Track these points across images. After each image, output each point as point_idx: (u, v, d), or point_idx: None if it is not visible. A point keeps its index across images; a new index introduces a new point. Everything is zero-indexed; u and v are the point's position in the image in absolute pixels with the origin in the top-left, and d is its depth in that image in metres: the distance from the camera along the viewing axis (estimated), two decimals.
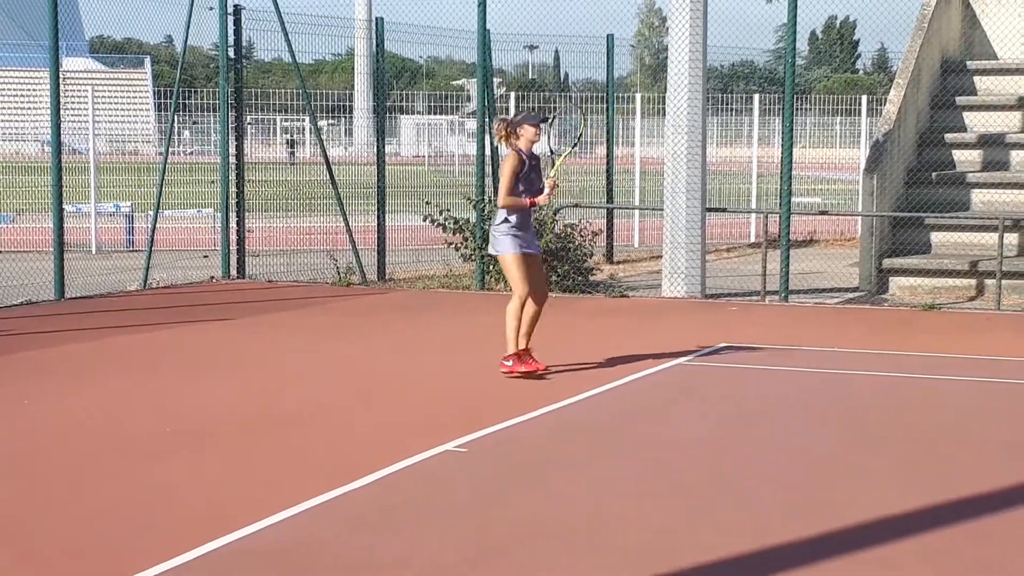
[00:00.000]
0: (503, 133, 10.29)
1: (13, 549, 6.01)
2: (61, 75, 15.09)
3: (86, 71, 48.43)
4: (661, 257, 16.43)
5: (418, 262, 18.89)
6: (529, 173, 10.23)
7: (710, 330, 13.14)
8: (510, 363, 10.31)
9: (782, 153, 15.84)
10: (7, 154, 34.73)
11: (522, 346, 10.30)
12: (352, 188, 20.90)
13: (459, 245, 16.71)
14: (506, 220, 10.22)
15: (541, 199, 10.21)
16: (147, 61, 58.77)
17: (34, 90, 49.35)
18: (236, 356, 11.67)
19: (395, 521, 6.50)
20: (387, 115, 18.54)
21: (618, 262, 20.70)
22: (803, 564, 5.90)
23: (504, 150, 10.46)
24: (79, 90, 24.72)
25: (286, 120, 34.05)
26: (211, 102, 23.44)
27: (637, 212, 23.97)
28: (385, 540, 6.18)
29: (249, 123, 18.05)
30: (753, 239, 23.95)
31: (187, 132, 33.59)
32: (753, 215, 24.27)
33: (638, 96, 25.02)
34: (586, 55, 21.74)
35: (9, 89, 50.48)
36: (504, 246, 10.24)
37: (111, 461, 7.68)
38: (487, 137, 16.90)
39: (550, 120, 10.64)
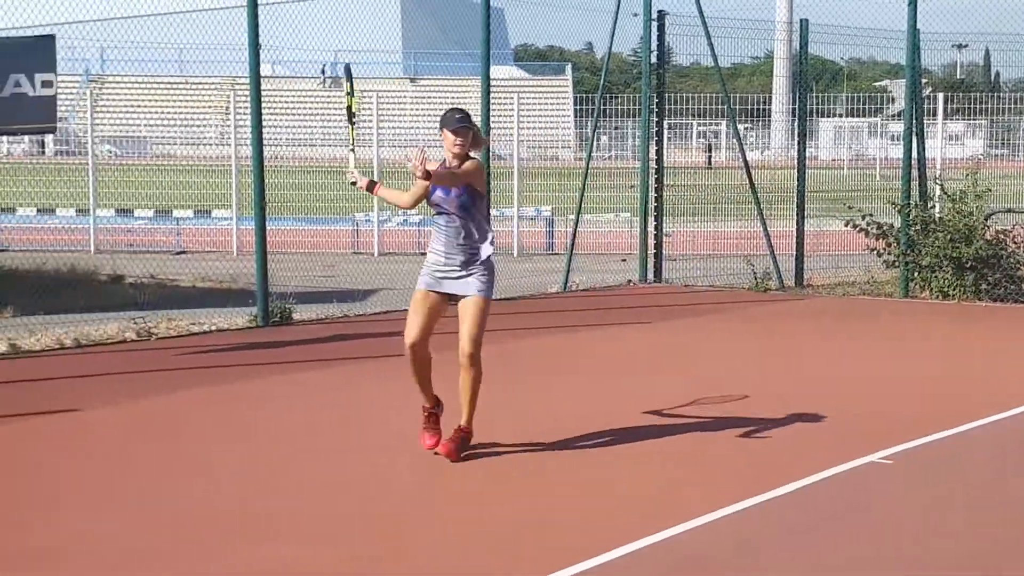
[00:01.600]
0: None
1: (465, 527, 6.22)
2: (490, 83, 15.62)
3: (511, 78, 50.14)
4: None
5: (837, 268, 18.45)
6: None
7: None
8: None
9: None
10: (434, 159, 36.28)
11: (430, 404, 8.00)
12: (769, 192, 20.65)
13: (882, 251, 16.22)
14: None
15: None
16: (568, 68, 60.26)
17: (461, 98, 51.61)
18: (653, 359, 11.73)
19: (819, 532, 6.34)
20: (807, 118, 18.19)
21: None
22: None
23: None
24: (505, 97, 25.56)
25: (702, 124, 34.05)
26: (629, 107, 23.71)
27: None
28: (812, 547, 6.03)
29: (668, 128, 18.11)
30: None
31: (605, 137, 34.20)
32: None
33: None
34: (1021, 53, 20.62)
35: (437, 97, 52.92)
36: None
37: (540, 454, 7.84)
38: (914, 139, 16.32)
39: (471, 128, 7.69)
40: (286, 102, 44.67)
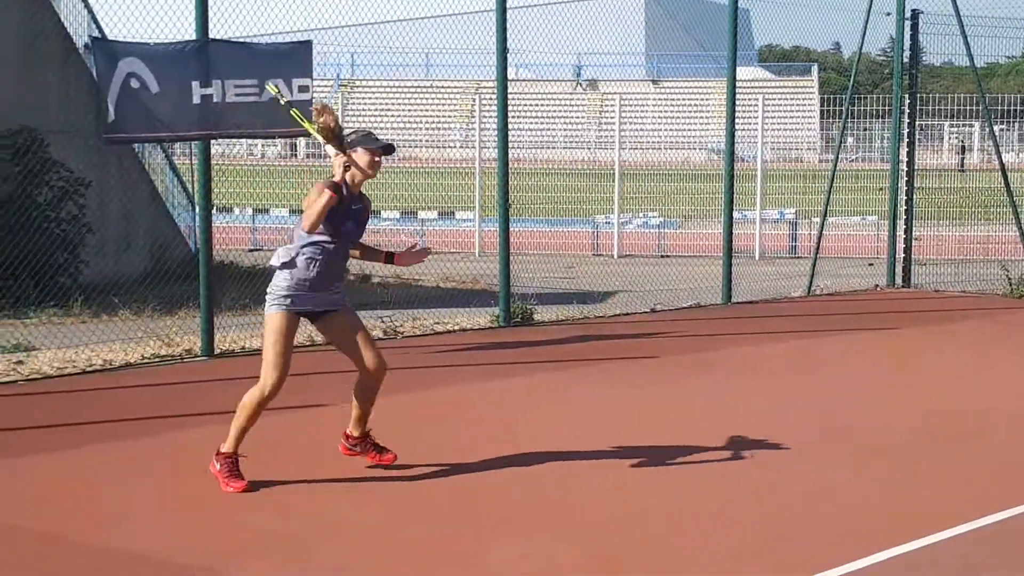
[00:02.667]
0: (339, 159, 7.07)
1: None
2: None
3: (754, 80, 49.54)
4: None
5: None
6: (344, 216, 7.04)
7: None
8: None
9: None
10: (675, 162, 36.20)
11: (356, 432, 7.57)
12: None
13: None
14: (293, 269, 7.06)
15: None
16: (814, 68, 59.21)
17: (703, 99, 51.27)
18: (902, 366, 11.41)
19: None
20: None
21: None
22: None
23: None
24: (749, 98, 25.26)
25: (953, 126, 33.00)
26: (876, 108, 23.17)
27: None
28: None
29: (918, 129, 17.61)
30: None
31: (851, 139, 33.47)
32: None
33: None
34: None
35: (679, 99, 52.69)
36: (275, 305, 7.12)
37: (775, 459, 7.72)
38: None
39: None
40: (529, 104, 45.09)
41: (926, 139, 28.90)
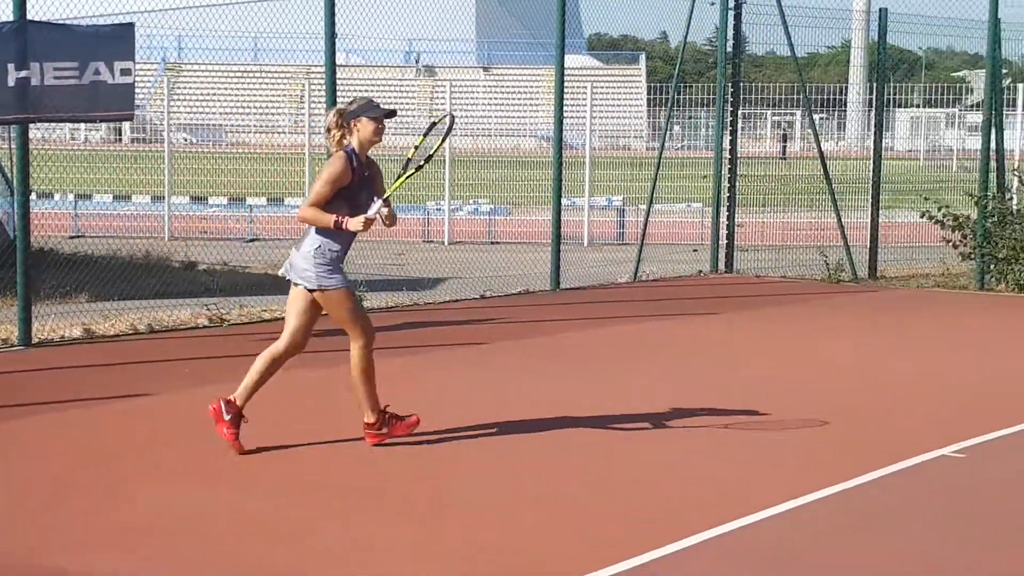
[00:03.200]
0: (333, 125, 7.37)
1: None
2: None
3: (583, 68, 50.01)
4: None
5: (912, 260, 18.27)
6: (359, 186, 7.36)
7: None
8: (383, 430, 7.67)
9: None
10: (505, 149, 36.40)
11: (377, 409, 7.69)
12: (844, 183, 20.46)
13: (957, 243, 16.02)
14: (322, 249, 7.34)
15: (353, 222, 7.20)
16: (642, 57, 59.98)
17: (533, 87, 51.58)
18: (721, 349, 11.67)
19: (886, 527, 6.28)
20: (884, 108, 17.99)
21: None
22: None
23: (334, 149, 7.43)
24: (577, 86, 25.50)
25: (776, 114, 33.77)
26: (702, 97, 23.55)
27: None
28: (875, 545, 5.98)
29: (742, 117, 17.99)
30: None
31: (678, 127, 33.99)
32: None
33: None
34: None
35: (509, 86, 52.92)
36: (332, 279, 7.40)
37: (605, 442, 7.84)
38: (993, 130, 16.09)
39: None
40: (359, 90, 44.81)
41: (750, 128, 29.58)
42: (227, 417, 7.44)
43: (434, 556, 5.82)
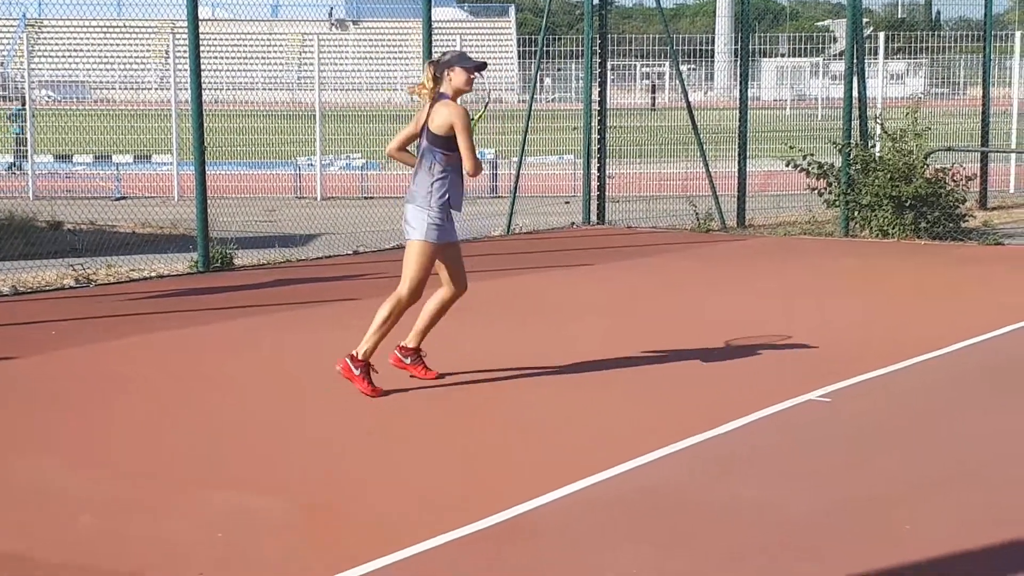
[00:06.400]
0: (430, 77, 7.75)
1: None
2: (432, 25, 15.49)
3: (453, 20, 49.83)
4: None
5: (779, 208, 18.57)
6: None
7: None
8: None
9: None
10: (377, 103, 36.16)
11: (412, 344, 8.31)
12: (712, 133, 20.69)
13: (823, 190, 16.31)
14: (444, 197, 7.79)
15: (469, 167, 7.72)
16: (511, 9, 59.92)
17: (403, 40, 51.27)
18: (596, 300, 11.77)
19: (759, 468, 6.42)
20: (749, 58, 18.20)
21: (992, 208, 19.75)
22: None
23: (418, 99, 7.96)
24: (447, 39, 25.43)
25: (646, 66, 34.01)
26: (572, 49, 23.64)
27: (1014, 156, 22.78)
28: (749, 486, 6.10)
29: (610, 69, 18.08)
30: None
31: (549, 80, 34.05)
32: None
33: (1017, 34, 23.69)
34: None
35: (379, 40, 52.55)
36: (434, 234, 7.79)
37: (474, 400, 7.87)
38: (855, 79, 16.37)
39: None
40: (226, 45, 44.15)
41: (620, 79, 29.75)
42: (357, 372, 7.85)
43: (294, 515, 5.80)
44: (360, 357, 7.83)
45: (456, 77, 7.72)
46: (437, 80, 7.72)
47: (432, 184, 7.73)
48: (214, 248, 13.23)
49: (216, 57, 36.97)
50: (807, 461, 6.61)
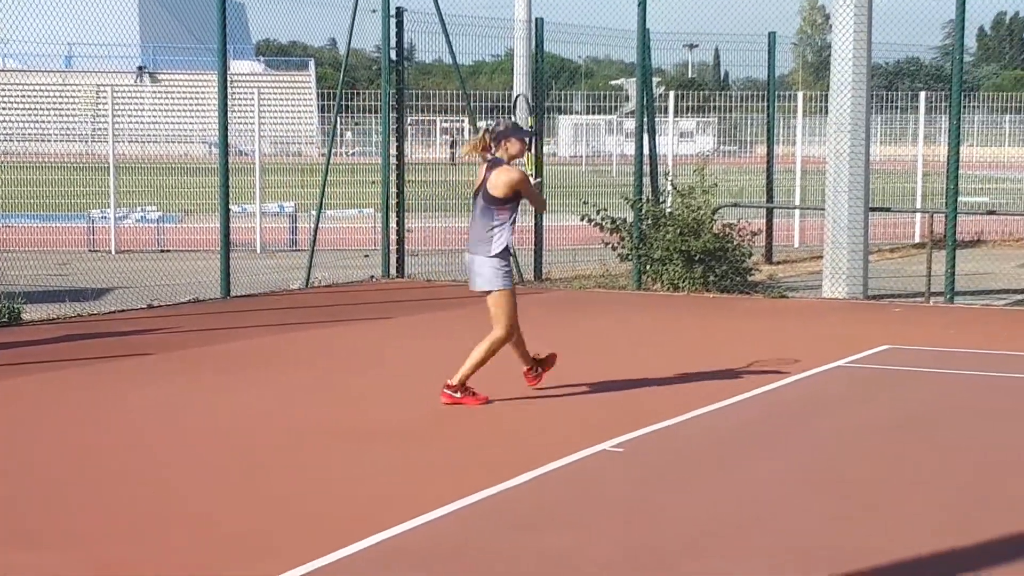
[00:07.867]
0: (483, 143, 9.09)
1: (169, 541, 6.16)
2: (229, 78, 15.40)
3: (252, 73, 49.47)
4: (822, 257, 16.19)
5: (575, 262, 18.90)
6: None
7: (872, 331, 12.88)
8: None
9: (948, 151, 15.50)
10: (175, 156, 35.67)
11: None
12: None
13: (616, 245, 16.66)
14: (507, 249, 9.19)
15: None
16: (311, 64, 59.81)
17: (201, 93, 50.71)
18: (393, 354, 11.80)
19: (551, 521, 6.50)
20: (545, 115, 18.55)
21: (777, 262, 20.43)
22: (973, 568, 5.75)
23: (474, 158, 9.33)
24: (245, 92, 25.30)
25: (446, 121, 34.30)
26: (373, 103, 23.73)
27: (798, 212, 23.64)
28: (541, 539, 6.19)
29: (410, 124, 18.21)
30: (918, 239, 23.41)
31: (349, 133, 34.04)
32: (918, 214, 23.77)
33: (800, 95, 24.66)
34: (747, 53, 21.47)
35: (177, 92, 51.85)
36: (507, 280, 9.27)
37: (266, 455, 7.83)
38: (646, 137, 16.81)
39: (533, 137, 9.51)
40: (17, 97, 43.06)
41: (420, 134, 29.94)
42: (458, 395, 9.07)
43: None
44: (455, 383, 9.02)
45: (512, 146, 9.01)
46: (494, 144, 8.98)
47: (490, 234, 8.97)
48: (0, 303, 12.88)
49: (6, 109, 36.07)
50: (598, 511, 6.73)
